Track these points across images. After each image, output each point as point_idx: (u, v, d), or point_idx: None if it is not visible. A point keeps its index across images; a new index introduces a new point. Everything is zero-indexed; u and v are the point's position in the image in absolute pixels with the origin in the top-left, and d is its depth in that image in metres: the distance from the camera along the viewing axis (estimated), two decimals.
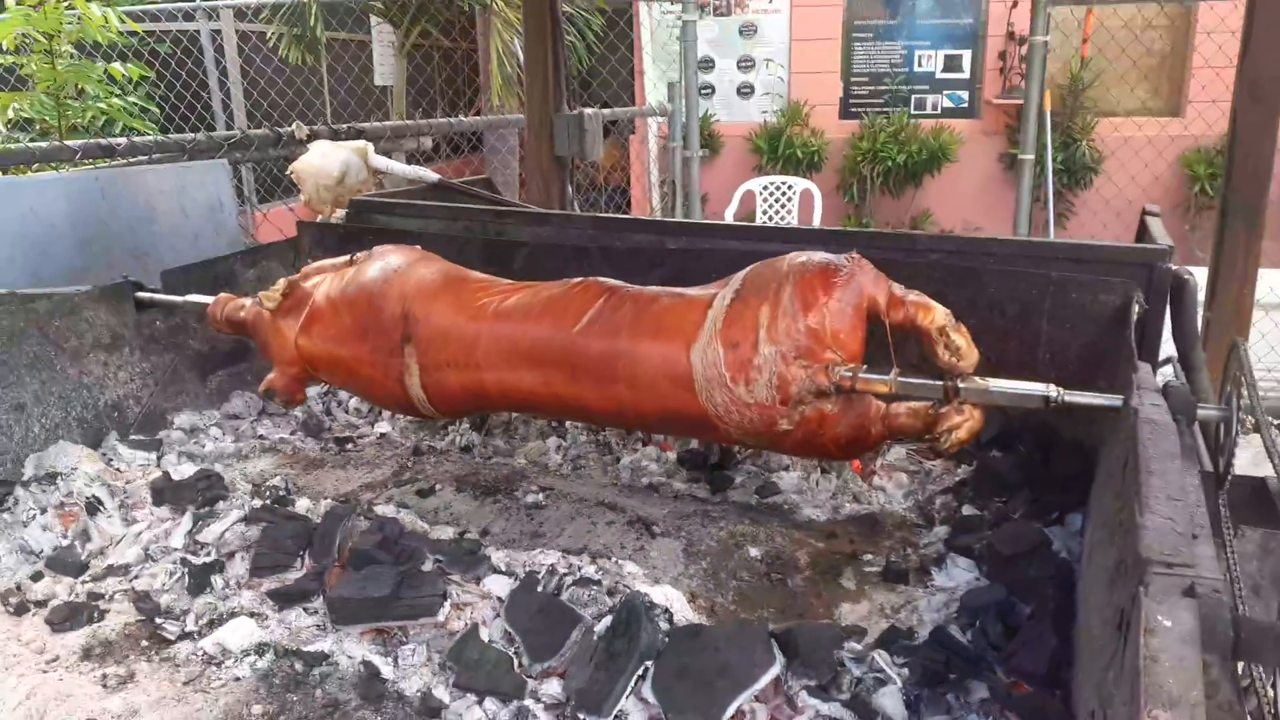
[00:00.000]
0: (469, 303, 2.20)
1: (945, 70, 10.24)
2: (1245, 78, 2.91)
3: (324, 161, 3.17)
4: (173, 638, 1.84)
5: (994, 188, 10.02)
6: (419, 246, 2.44)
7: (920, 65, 10.29)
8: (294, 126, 3.86)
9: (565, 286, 2.16)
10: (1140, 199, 2.96)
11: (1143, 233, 2.72)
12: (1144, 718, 0.86)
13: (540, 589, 1.85)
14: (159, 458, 2.59)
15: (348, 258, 2.42)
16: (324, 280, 2.37)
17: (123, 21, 4.86)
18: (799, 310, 1.84)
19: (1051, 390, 1.82)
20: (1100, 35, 8.77)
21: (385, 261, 2.32)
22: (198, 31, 7.60)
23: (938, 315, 1.85)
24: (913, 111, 10.22)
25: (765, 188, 9.37)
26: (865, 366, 1.87)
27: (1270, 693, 1.23)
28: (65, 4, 4.51)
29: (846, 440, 1.93)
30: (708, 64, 10.50)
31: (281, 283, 2.38)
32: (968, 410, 1.88)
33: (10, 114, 4.66)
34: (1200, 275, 2.41)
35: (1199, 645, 0.94)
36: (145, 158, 3.56)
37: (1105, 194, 8.76)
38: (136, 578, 2.02)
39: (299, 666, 1.74)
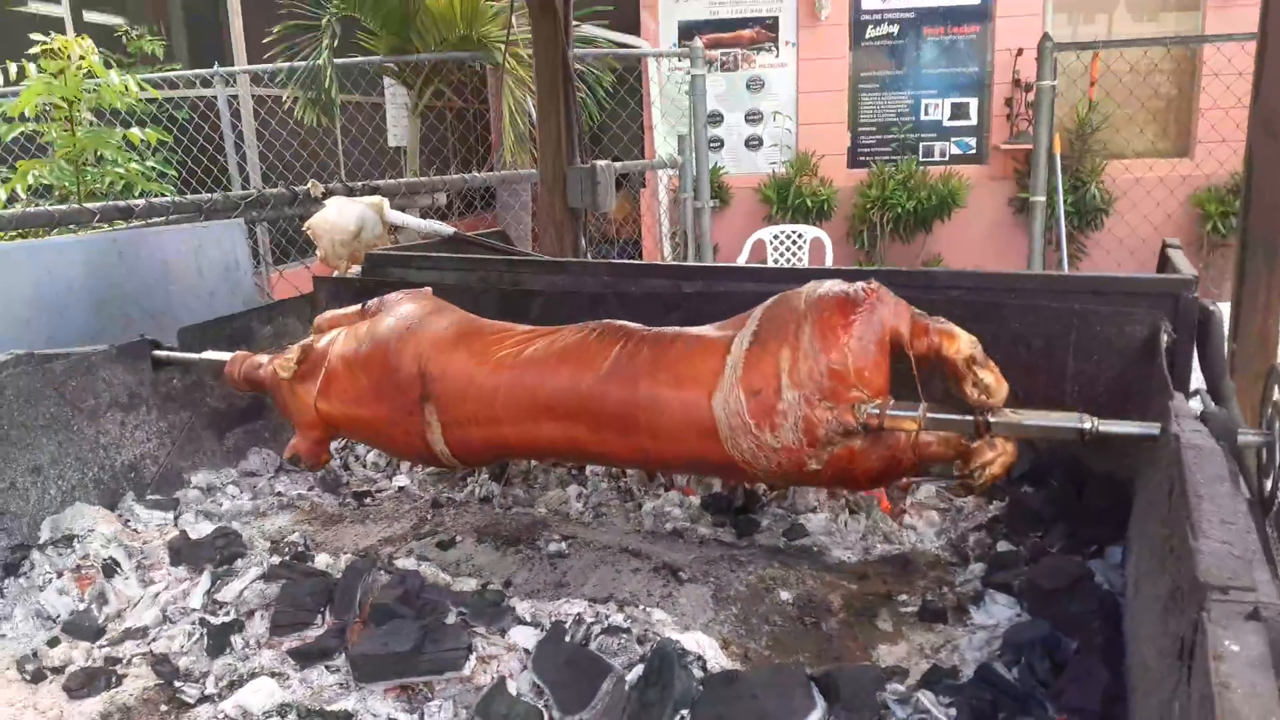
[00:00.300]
0: (485, 355, 2.18)
1: (952, 118, 10.33)
2: (1259, 114, 2.90)
3: (339, 217, 3.18)
4: (192, 701, 1.79)
5: (1004, 232, 10.04)
6: (429, 290, 2.43)
7: (927, 114, 10.39)
8: (310, 185, 3.90)
9: (581, 333, 2.13)
10: (1153, 237, 2.95)
11: (1164, 264, 2.69)
12: None
13: (568, 639, 1.80)
14: (176, 517, 2.56)
15: (359, 307, 2.41)
16: (339, 336, 2.35)
17: (141, 88, 4.95)
18: (820, 350, 1.81)
19: (1086, 421, 1.78)
20: (1107, 79, 8.84)
21: (398, 315, 2.30)
22: (215, 97, 7.76)
23: (963, 344, 1.81)
24: (921, 159, 10.29)
25: (776, 236, 9.42)
26: (892, 401, 1.84)
27: None
28: (85, 72, 4.60)
29: (878, 473, 1.89)
30: (716, 118, 10.62)
31: (295, 349, 2.36)
32: (1000, 444, 1.84)
33: (30, 180, 4.73)
34: (1222, 311, 2.39)
35: (1270, 669, 0.89)
36: (162, 219, 3.58)
37: (1118, 233, 8.76)
38: (154, 640, 1.98)
39: None
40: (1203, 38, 8.75)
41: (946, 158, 10.31)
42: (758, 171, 10.69)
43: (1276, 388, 1.58)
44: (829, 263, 9.16)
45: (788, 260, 9.43)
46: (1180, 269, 2.43)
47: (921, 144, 10.39)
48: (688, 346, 1.99)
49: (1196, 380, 2.25)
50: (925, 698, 1.55)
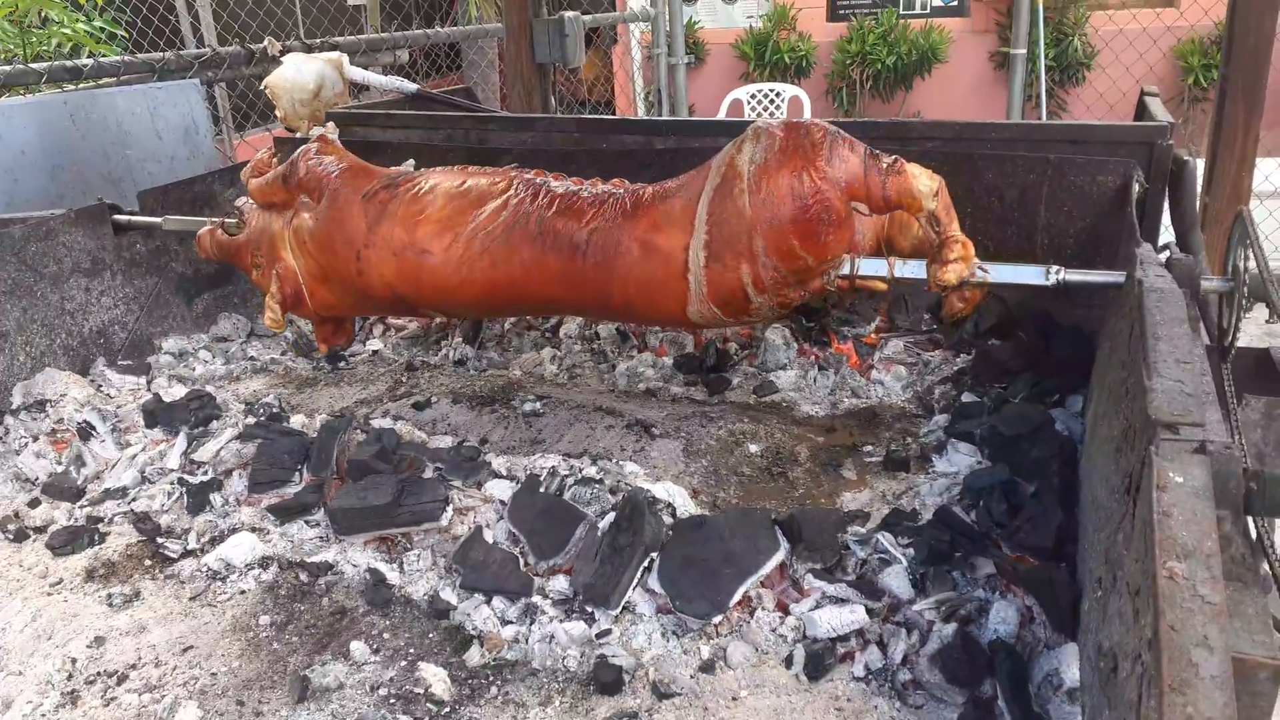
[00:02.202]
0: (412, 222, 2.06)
1: None
2: None
3: (298, 75, 3.06)
4: (175, 556, 1.83)
5: (985, 87, 9.84)
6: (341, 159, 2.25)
7: None
8: (266, 43, 3.73)
9: (496, 198, 2.02)
10: (1134, 91, 2.88)
11: (1141, 113, 2.66)
12: (1159, 571, 0.85)
13: (542, 490, 1.84)
14: (149, 382, 2.56)
15: (282, 171, 2.25)
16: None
17: None
18: (779, 263, 1.78)
19: (1053, 271, 1.79)
20: None
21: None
22: None
23: (924, 201, 1.75)
24: (901, 11, 9.98)
25: (753, 95, 9.19)
26: (860, 261, 1.83)
27: (1277, 552, 1.23)
28: None
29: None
30: None
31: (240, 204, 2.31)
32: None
33: None
34: (1198, 168, 2.37)
35: (1212, 499, 0.93)
36: (114, 79, 3.44)
37: (1099, 88, 8.60)
38: (134, 500, 2.01)
39: (304, 577, 1.73)
40: None
41: (928, 10, 10.00)
42: (734, 25, 10.34)
43: (1241, 230, 1.58)
44: None
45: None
46: (1156, 116, 2.40)
47: None
48: (645, 264, 1.90)
49: (1170, 236, 2.25)
50: (884, 538, 1.60)
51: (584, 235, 1.91)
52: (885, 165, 1.73)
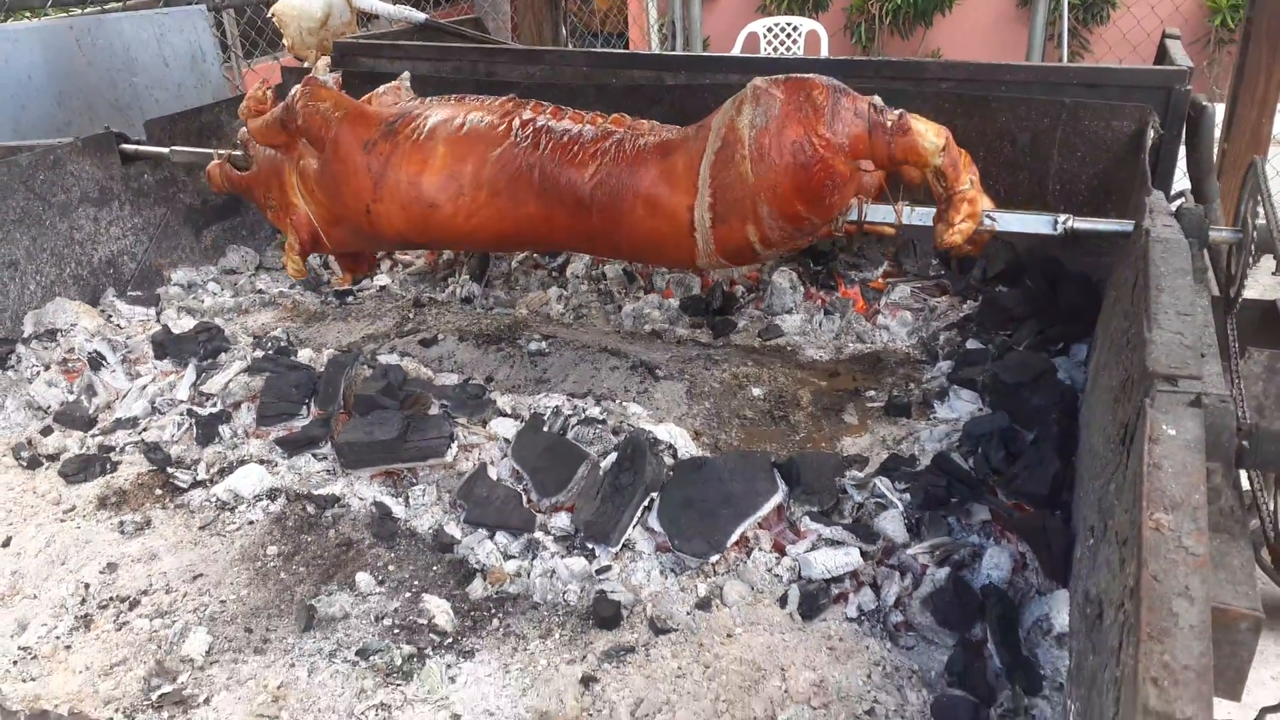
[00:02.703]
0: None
1: None
2: None
3: (306, 3, 3.02)
4: (185, 486, 1.87)
5: (1006, 25, 9.61)
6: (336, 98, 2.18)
7: None
8: None
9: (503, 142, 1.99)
10: (1158, 31, 2.82)
11: (1162, 56, 2.60)
12: (1145, 521, 0.86)
13: (546, 429, 1.86)
14: (158, 313, 2.58)
15: (279, 111, 2.23)
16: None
17: None
18: (785, 224, 1.78)
19: (1061, 218, 1.78)
20: None
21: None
22: None
23: (930, 155, 1.71)
24: None
25: (769, 29, 9.00)
26: (867, 205, 1.81)
27: (1271, 505, 1.24)
28: None
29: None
30: None
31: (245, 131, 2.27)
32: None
33: None
34: (1218, 113, 2.32)
35: (1203, 452, 0.93)
36: (120, 4, 3.40)
37: (1123, 27, 8.41)
38: (145, 430, 2.04)
39: (311, 509, 1.77)
40: None
41: None
42: None
43: (1253, 180, 1.56)
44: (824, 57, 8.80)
45: (782, 55, 9.06)
46: (1176, 61, 2.36)
47: None
48: (650, 220, 1.90)
49: (1187, 184, 2.23)
50: (882, 483, 1.62)
51: (588, 189, 1.90)
52: (890, 123, 1.69)
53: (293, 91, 2.15)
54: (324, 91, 2.12)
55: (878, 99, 1.74)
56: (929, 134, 1.68)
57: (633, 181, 1.87)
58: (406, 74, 2.30)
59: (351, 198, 2.09)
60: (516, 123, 1.99)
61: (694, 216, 1.82)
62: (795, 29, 9.01)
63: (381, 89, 2.24)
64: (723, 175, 1.77)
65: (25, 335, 2.34)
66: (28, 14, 3.45)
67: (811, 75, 1.76)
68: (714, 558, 1.53)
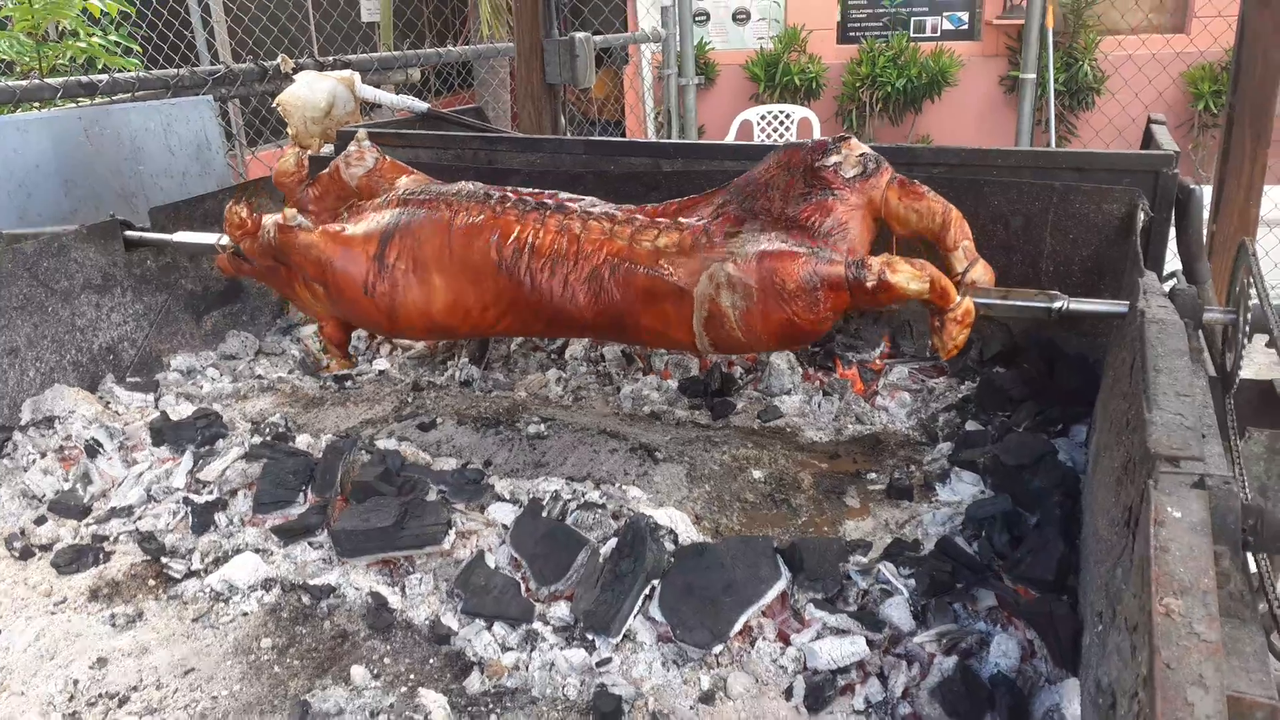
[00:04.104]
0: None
1: None
2: None
3: (310, 92, 3.09)
4: (179, 576, 1.84)
5: (995, 111, 9.87)
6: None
7: None
8: (279, 60, 3.77)
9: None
10: (1144, 117, 2.89)
11: (1148, 141, 2.66)
12: (1156, 607, 0.85)
13: (545, 515, 1.85)
14: (157, 399, 2.57)
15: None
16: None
17: None
18: (777, 347, 1.85)
19: (1057, 299, 1.79)
20: None
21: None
22: None
23: (916, 297, 1.72)
24: (912, 34, 10.02)
25: (763, 117, 9.22)
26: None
27: (1277, 590, 1.23)
28: None
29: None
30: None
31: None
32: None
33: None
34: (1205, 195, 2.37)
35: (1210, 535, 0.92)
36: (128, 95, 3.47)
37: (1108, 113, 8.62)
38: (140, 518, 2.02)
39: (306, 600, 1.74)
40: None
41: (938, 34, 10.04)
42: (745, 47, 10.40)
43: (1244, 262, 1.58)
44: None
45: (775, 142, 9.27)
46: (1162, 145, 2.41)
47: (913, 19, 10.10)
48: (652, 316, 1.91)
49: (1176, 265, 2.25)
50: (886, 569, 1.60)
51: (589, 316, 1.94)
52: (872, 284, 1.68)
53: (267, 228, 2.21)
54: (299, 234, 2.18)
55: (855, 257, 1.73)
56: (911, 283, 1.69)
57: (632, 309, 1.91)
58: (362, 131, 2.37)
59: (370, 324, 2.23)
60: (501, 242, 1.99)
61: (693, 327, 1.86)
62: (788, 116, 9.24)
63: (348, 157, 2.28)
64: (715, 331, 1.82)
65: (23, 422, 2.33)
66: (37, 104, 3.53)
67: (781, 249, 1.73)
68: (717, 648, 1.50)
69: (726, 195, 1.93)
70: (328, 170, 2.30)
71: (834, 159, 1.80)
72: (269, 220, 2.24)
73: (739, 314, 1.76)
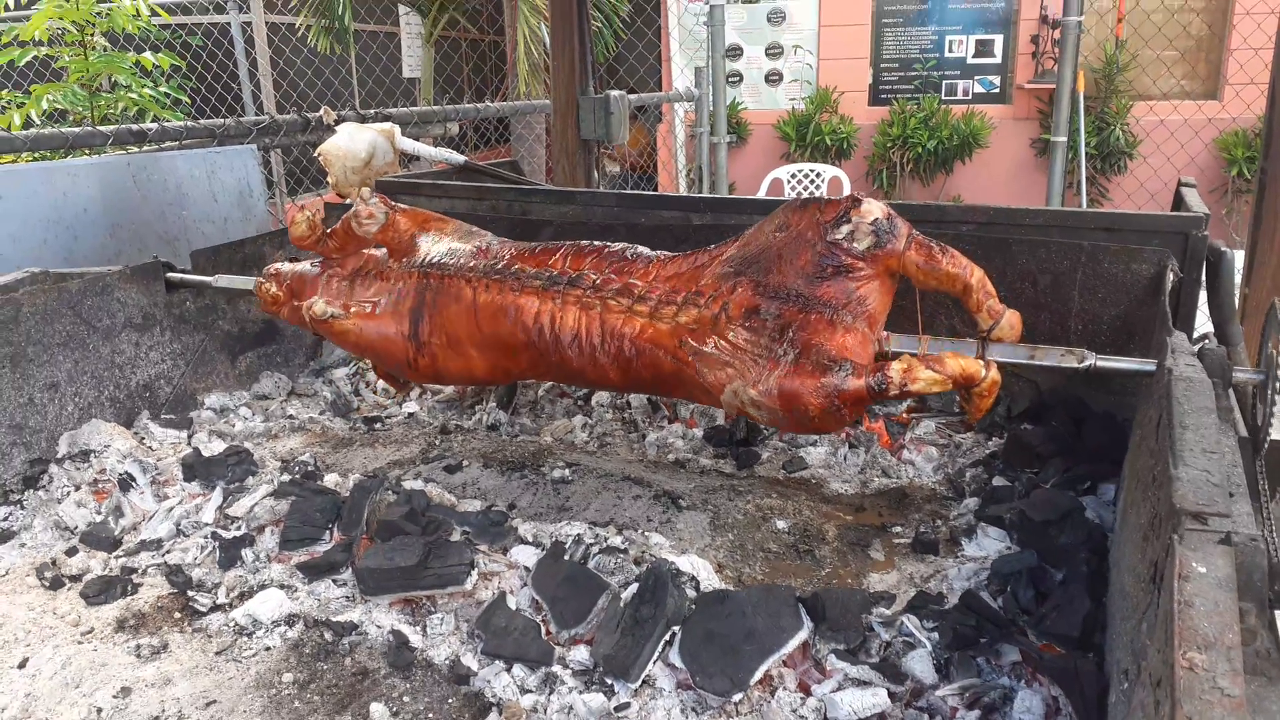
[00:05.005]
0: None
1: (976, 55, 10.10)
2: None
3: (351, 143, 3.17)
4: (204, 609, 1.86)
5: (1026, 173, 9.89)
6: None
7: (951, 51, 10.16)
8: (322, 111, 3.88)
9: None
10: (1174, 181, 2.90)
11: (1179, 203, 2.67)
12: (1179, 660, 0.84)
13: (567, 558, 1.85)
14: (190, 436, 2.62)
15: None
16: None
17: (154, 13, 4.92)
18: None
19: (1086, 356, 1.79)
20: (1135, 16, 8.61)
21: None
22: (228, 23, 7.69)
23: (938, 390, 1.71)
24: (943, 97, 10.11)
25: (793, 175, 9.31)
26: (890, 338, 1.84)
27: None
28: None
29: None
30: (735, 51, 10.43)
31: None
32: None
33: (45, 105, 4.73)
34: (1238, 259, 2.37)
35: (1235, 591, 0.92)
36: (175, 143, 3.59)
37: (1140, 177, 8.62)
38: (169, 552, 2.04)
39: (329, 636, 1.75)
40: None
41: (969, 96, 10.11)
42: (777, 107, 10.53)
43: (1274, 323, 1.58)
44: None
45: None
46: (1192, 207, 2.41)
47: (944, 82, 10.19)
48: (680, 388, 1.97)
49: (1208, 327, 2.24)
50: (910, 621, 1.59)
51: (617, 378, 1.99)
52: (895, 391, 1.68)
53: (305, 310, 2.30)
54: (334, 324, 2.26)
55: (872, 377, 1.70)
56: (933, 387, 1.68)
57: (663, 386, 1.98)
58: (366, 190, 2.42)
59: (419, 382, 2.44)
60: (525, 321, 2.03)
61: (722, 406, 1.89)
62: (819, 175, 9.32)
63: (358, 217, 2.27)
64: (739, 407, 1.83)
65: (59, 455, 2.38)
66: (88, 150, 3.65)
67: (798, 386, 1.70)
68: (737, 696, 1.49)
69: (734, 264, 1.86)
70: (340, 225, 2.32)
71: (845, 229, 1.74)
72: (305, 308, 2.32)
73: (766, 419, 1.79)
